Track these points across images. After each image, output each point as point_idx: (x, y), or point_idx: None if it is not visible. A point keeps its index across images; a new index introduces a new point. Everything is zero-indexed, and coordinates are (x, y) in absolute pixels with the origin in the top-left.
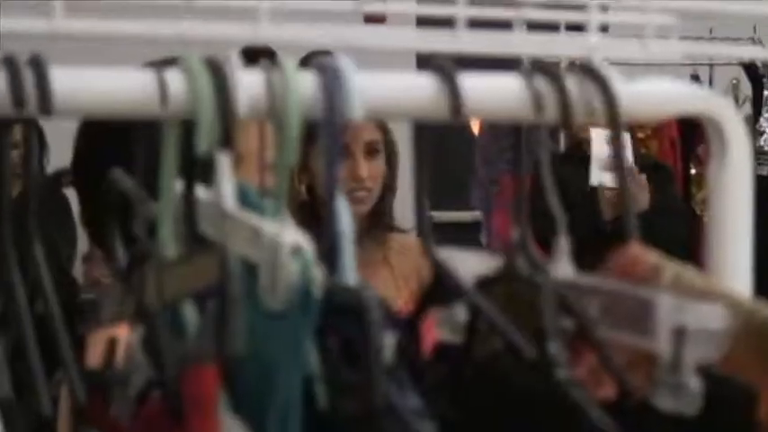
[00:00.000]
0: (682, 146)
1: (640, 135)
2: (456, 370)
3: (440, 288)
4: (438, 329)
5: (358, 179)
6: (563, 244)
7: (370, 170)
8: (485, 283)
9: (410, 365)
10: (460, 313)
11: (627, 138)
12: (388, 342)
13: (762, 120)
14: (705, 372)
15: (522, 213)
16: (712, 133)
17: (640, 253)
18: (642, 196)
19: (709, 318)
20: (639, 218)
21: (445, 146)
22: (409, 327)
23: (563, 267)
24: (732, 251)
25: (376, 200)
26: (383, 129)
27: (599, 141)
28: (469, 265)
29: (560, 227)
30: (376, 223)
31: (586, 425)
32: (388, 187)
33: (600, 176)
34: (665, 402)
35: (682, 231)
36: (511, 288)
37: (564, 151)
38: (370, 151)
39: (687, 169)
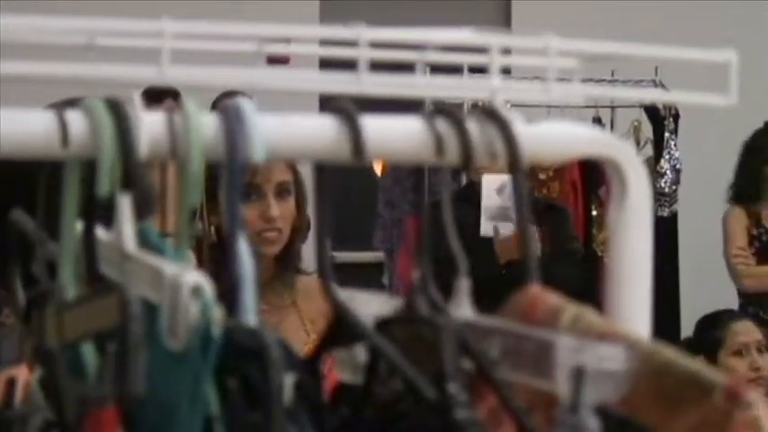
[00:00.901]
0: (583, 187)
1: (542, 176)
2: (356, 411)
3: (340, 329)
4: (339, 371)
5: (269, 220)
6: (463, 285)
7: (281, 211)
8: (385, 324)
9: (310, 406)
10: (361, 354)
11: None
12: (288, 383)
13: (663, 161)
14: (604, 413)
15: (423, 255)
16: (613, 175)
17: (540, 294)
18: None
19: (609, 359)
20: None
21: (348, 186)
22: (309, 368)
23: (463, 309)
24: (631, 292)
25: (285, 242)
26: (294, 170)
27: (489, 191)
28: (371, 306)
29: (461, 268)
30: (285, 266)
31: None
32: (297, 229)
33: (489, 227)
34: None
35: (577, 272)
36: (412, 329)
37: (457, 192)
38: (281, 192)
39: (588, 211)
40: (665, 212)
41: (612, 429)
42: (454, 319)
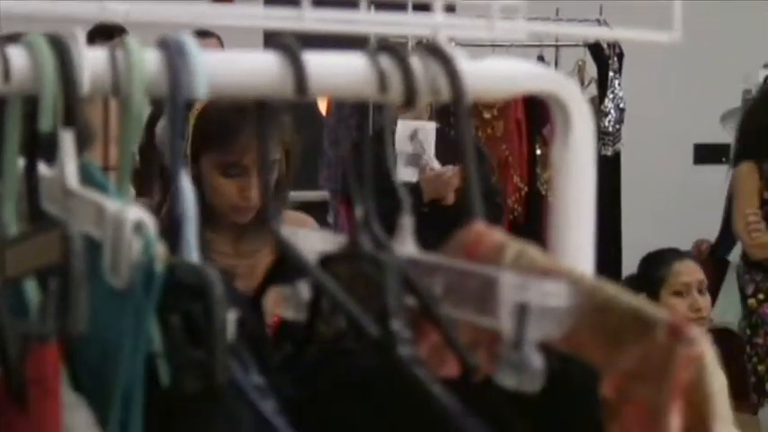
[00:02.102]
0: (527, 126)
1: (486, 115)
2: (299, 348)
3: (284, 266)
4: (281, 308)
5: (247, 198)
6: (407, 223)
7: (260, 188)
8: (329, 262)
9: (253, 343)
10: (304, 292)
11: (431, 128)
12: (231, 319)
13: (607, 101)
14: (548, 349)
15: (366, 192)
16: (556, 112)
17: (483, 231)
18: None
19: (552, 295)
20: (453, 205)
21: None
22: (252, 304)
23: (407, 246)
24: (575, 230)
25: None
26: (283, 146)
27: (402, 137)
28: (314, 243)
29: (404, 205)
30: (257, 228)
31: (428, 402)
32: (281, 186)
33: (405, 172)
34: (507, 380)
35: (495, 213)
36: (355, 266)
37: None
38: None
39: (533, 150)
40: (609, 151)
41: (555, 366)
42: (397, 256)
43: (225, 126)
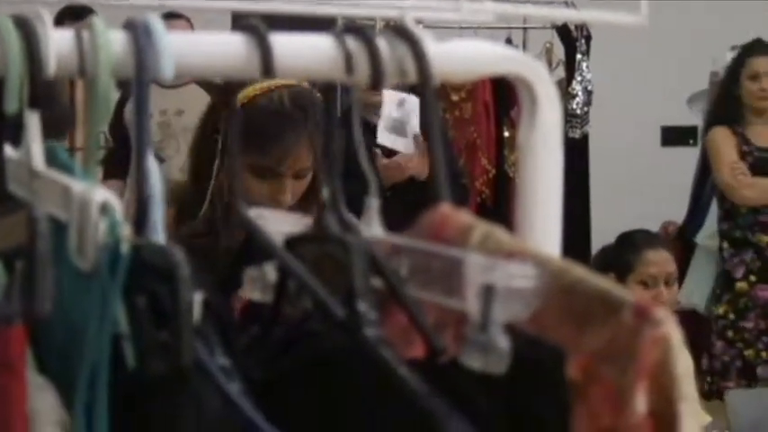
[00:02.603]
0: (495, 109)
1: (454, 98)
2: (266, 330)
3: (250, 248)
4: (248, 289)
5: (279, 203)
6: (373, 204)
7: (294, 192)
8: (295, 243)
9: (219, 325)
10: (270, 273)
11: (414, 102)
12: (197, 301)
13: (574, 83)
14: (514, 331)
15: (332, 173)
16: (523, 94)
17: (450, 213)
18: (425, 163)
19: (518, 276)
20: (419, 185)
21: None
22: (219, 286)
23: (373, 227)
24: (542, 212)
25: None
26: (314, 151)
27: (390, 103)
28: (281, 224)
29: (371, 187)
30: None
31: (394, 383)
32: (313, 191)
33: (386, 137)
34: (473, 361)
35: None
36: (322, 248)
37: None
38: (299, 175)
39: (500, 132)
40: (577, 134)
41: (522, 347)
42: (364, 237)
43: (264, 131)
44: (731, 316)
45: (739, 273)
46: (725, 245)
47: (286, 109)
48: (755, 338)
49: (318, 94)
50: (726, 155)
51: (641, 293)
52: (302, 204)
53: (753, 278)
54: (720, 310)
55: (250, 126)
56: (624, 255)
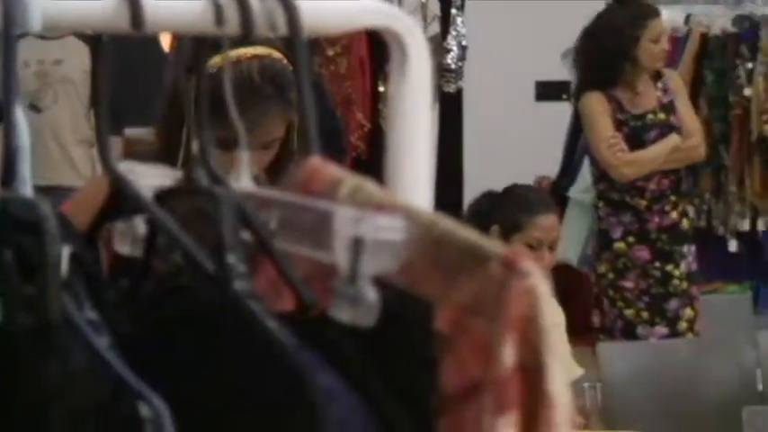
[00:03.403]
0: (371, 64)
1: (330, 53)
2: (135, 284)
3: (119, 201)
4: (117, 243)
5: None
6: (243, 157)
7: (262, 161)
8: (165, 196)
9: (88, 279)
10: (140, 227)
11: None
12: (65, 254)
13: (449, 38)
14: (383, 283)
15: (201, 126)
16: (394, 48)
17: (319, 166)
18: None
19: (387, 229)
20: None
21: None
22: (87, 240)
23: (243, 180)
24: (411, 164)
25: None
26: (290, 117)
27: None
28: (151, 178)
29: (242, 139)
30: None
31: (264, 336)
32: (282, 164)
33: None
34: (342, 314)
35: (339, 155)
36: (191, 201)
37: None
38: (268, 146)
39: (376, 86)
40: (451, 88)
41: (391, 300)
42: (233, 190)
43: (220, 99)
44: (610, 275)
45: (617, 233)
46: (601, 204)
47: (254, 82)
48: (636, 298)
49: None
50: (603, 128)
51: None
52: (270, 176)
53: (631, 239)
54: (602, 269)
55: (215, 97)
56: (515, 213)
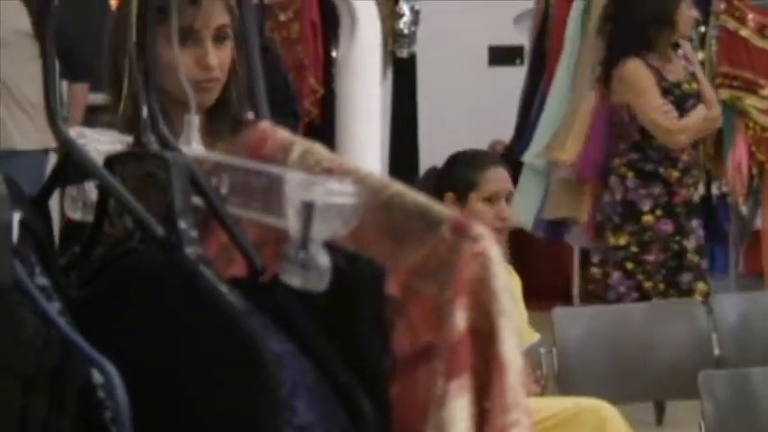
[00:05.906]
0: (323, 28)
1: (282, 18)
2: (86, 249)
3: (69, 166)
4: (68, 209)
5: (206, 68)
6: (194, 121)
7: (219, 57)
8: (115, 161)
9: (38, 244)
10: (91, 192)
11: None
12: (15, 220)
13: (401, 2)
14: (334, 248)
15: (150, 91)
16: (343, 11)
17: (269, 130)
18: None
19: (338, 193)
20: None
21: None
22: (36, 205)
23: (193, 145)
24: (360, 128)
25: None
26: (232, 12)
27: None
28: (101, 143)
29: (191, 103)
30: (220, 116)
31: (215, 301)
32: (233, 75)
33: None
34: (293, 279)
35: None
36: (142, 166)
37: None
38: (219, 37)
39: (328, 52)
40: (404, 53)
41: (342, 265)
42: (184, 154)
43: None
44: (633, 248)
45: (646, 205)
46: (630, 174)
47: None
48: (656, 271)
49: None
50: (652, 95)
51: (485, 210)
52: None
53: (659, 212)
54: (621, 241)
55: None
56: (465, 173)
